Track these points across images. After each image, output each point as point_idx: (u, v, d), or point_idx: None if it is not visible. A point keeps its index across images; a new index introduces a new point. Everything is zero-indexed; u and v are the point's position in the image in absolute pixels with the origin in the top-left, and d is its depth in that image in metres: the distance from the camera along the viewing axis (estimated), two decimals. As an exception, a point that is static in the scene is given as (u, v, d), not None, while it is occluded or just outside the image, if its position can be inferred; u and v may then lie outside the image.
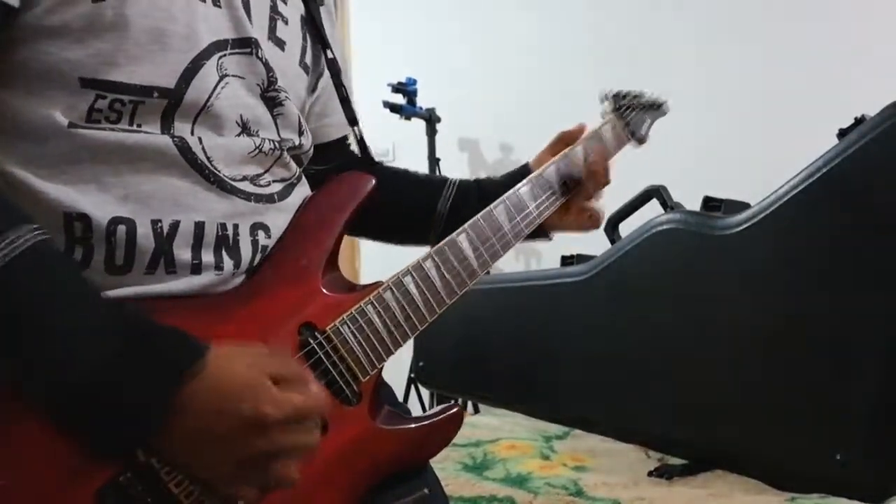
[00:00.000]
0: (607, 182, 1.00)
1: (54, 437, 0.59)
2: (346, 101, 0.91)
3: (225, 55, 0.72)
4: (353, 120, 0.93)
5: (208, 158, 0.70)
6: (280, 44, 0.79)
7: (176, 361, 0.60)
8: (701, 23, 2.51)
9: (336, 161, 0.96)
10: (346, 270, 0.83)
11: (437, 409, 0.83)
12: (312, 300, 0.74)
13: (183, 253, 0.68)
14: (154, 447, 0.60)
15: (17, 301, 0.58)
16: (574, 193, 0.98)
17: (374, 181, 0.83)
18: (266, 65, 0.76)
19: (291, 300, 0.73)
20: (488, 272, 0.99)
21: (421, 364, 1.96)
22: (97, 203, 0.65)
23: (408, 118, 2.81)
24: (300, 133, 0.82)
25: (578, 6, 2.78)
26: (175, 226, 0.68)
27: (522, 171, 1.01)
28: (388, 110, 2.78)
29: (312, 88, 0.89)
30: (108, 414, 0.59)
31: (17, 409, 0.58)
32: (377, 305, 0.77)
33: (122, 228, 0.66)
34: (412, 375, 2.14)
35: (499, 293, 1.77)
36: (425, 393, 2.76)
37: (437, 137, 2.85)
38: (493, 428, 1.63)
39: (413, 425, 0.80)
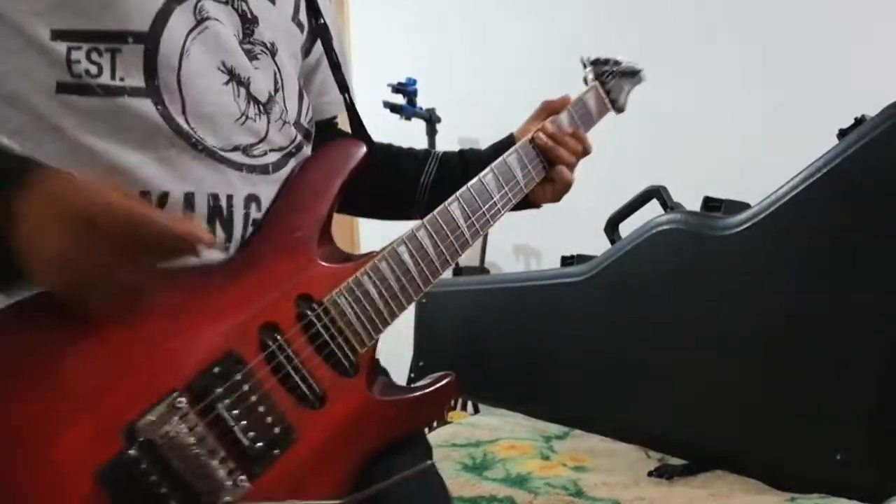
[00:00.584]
0: (588, 151, 1.01)
1: (53, 419, 0.58)
2: (336, 67, 0.89)
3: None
4: (343, 86, 0.91)
5: (192, 128, 0.69)
6: None
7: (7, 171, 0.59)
8: (701, 23, 2.51)
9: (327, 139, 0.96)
10: (346, 245, 0.83)
11: (431, 378, 0.83)
12: (308, 271, 0.74)
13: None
14: (157, 432, 0.60)
15: None
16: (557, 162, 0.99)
17: (365, 147, 0.82)
18: (243, 16, 0.75)
19: (287, 271, 0.73)
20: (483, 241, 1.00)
21: (421, 364, 1.96)
22: (85, 174, 0.63)
23: (408, 118, 2.81)
24: (277, 89, 0.79)
25: (579, 6, 2.78)
26: (164, 197, 0.67)
27: (508, 142, 1.01)
28: (388, 110, 2.78)
29: (307, 51, 0.87)
30: None
31: (12, 391, 0.58)
32: (373, 276, 0.76)
33: None
34: (412, 375, 2.13)
35: (499, 293, 1.77)
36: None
37: (437, 137, 2.85)
38: (493, 428, 1.63)
39: (409, 395, 0.81)
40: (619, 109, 1.11)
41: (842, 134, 1.24)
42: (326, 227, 0.77)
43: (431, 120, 2.83)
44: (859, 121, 1.23)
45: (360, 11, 3.40)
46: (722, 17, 2.49)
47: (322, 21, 0.87)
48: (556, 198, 1.02)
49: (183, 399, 0.62)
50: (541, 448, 1.49)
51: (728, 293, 1.34)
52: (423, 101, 2.85)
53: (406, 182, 1.01)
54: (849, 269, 1.19)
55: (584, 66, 1.10)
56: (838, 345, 1.18)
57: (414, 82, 2.85)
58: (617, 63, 1.12)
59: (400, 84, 2.83)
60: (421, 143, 2.87)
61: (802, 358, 1.22)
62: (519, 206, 0.98)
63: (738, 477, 1.28)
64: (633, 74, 1.15)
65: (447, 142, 2.91)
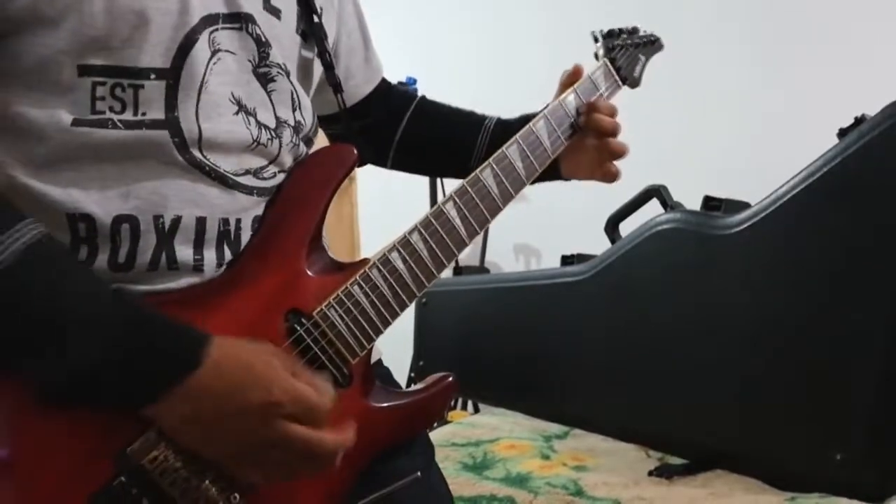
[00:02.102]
0: (615, 129, 0.97)
1: (45, 446, 0.59)
2: (329, 67, 0.88)
3: (216, 29, 0.71)
4: (336, 87, 0.89)
5: (206, 157, 0.70)
6: (275, 12, 0.78)
7: (176, 352, 0.61)
8: (701, 23, 2.51)
9: (369, 117, 0.98)
10: (346, 250, 0.82)
11: (429, 380, 0.82)
12: (297, 284, 0.73)
13: (184, 250, 0.68)
14: (168, 433, 0.61)
15: (16, 294, 0.58)
16: (573, 146, 0.97)
17: (355, 153, 0.79)
18: (258, 40, 0.75)
19: (276, 286, 0.72)
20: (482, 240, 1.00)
21: (421, 364, 1.96)
22: (100, 202, 0.65)
23: (408, 118, 2.81)
24: (294, 109, 0.79)
25: (579, 6, 2.78)
26: (177, 221, 0.68)
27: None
28: (388, 110, 2.78)
29: (313, 57, 0.87)
30: (109, 401, 0.59)
31: (6, 418, 0.58)
32: (364, 285, 0.75)
33: (125, 227, 0.66)
34: (412, 375, 2.13)
35: (499, 293, 1.77)
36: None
37: (437, 137, 2.85)
38: (493, 428, 1.63)
39: (406, 400, 0.80)
40: (633, 84, 1.08)
41: (842, 134, 1.24)
42: (316, 237, 0.76)
43: (431, 120, 2.83)
44: (859, 121, 1.23)
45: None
46: (722, 17, 2.49)
47: (318, 21, 0.86)
48: (609, 176, 0.99)
49: None
50: (541, 448, 1.49)
51: (728, 293, 1.34)
52: (422, 101, 2.85)
53: (463, 151, 1.03)
54: (849, 269, 1.19)
55: (596, 41, 1.07)
56: (838, 345, 1.18)
57: (414, 82, 2.85)
58: (633, 32, 1.08)
59: (400, 84, 2.83)
60: (421, 142, 2.87)
61: (802, 358, 1.22)
62: (547, 177, 0.97)
63: (738, 477, 1.28)
64: (650, 43, 1.11)
65: (447, 141, 2.91)
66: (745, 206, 1.36)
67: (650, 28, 1.15)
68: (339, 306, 0.73)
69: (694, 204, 1.50)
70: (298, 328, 0.71)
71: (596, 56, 1.05)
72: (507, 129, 1.00)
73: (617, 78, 1.05)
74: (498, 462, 1.40)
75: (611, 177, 1.00)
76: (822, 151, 1.24)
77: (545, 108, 0.96)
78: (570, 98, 0.97)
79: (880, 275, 1.16)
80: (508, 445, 1.50)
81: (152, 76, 0.67)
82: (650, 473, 1.32)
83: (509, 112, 1.08)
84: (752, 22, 2.43)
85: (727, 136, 2.40)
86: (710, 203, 1.44)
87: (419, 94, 1.10)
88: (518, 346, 1.71)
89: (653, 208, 1.64)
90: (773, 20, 2.39)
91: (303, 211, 0.76)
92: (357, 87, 0.96)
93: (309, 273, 0.74)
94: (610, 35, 1.07)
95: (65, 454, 0.59)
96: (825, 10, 2.28)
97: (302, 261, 0.74)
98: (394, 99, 1.06)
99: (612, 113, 0.98)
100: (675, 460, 1.38)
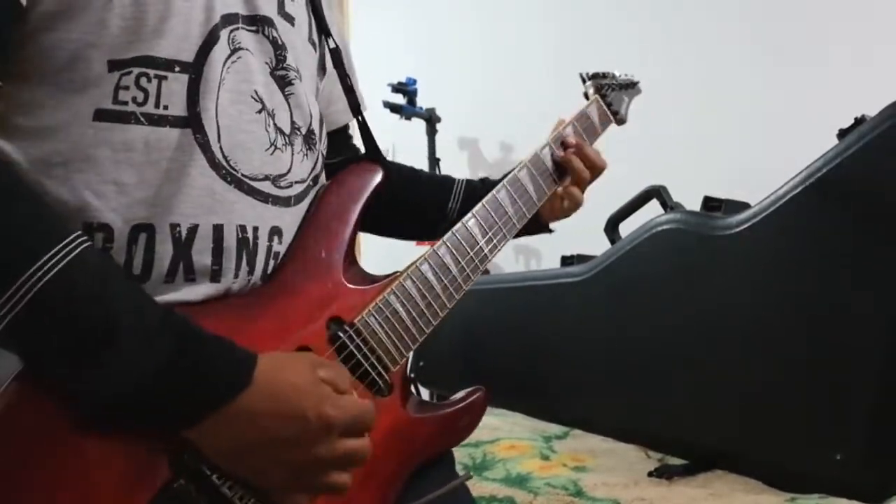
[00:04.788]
0: (600, 166, 1.02)
1: (105, 452, 0.58)
2: (350, 91, 0.90)
3: (236, 29, 0.72)
4: (356, 109, 0.92)
5: (225, 157, 0.69)
6: (289, 19, 0.79)
7: (225, 373, 0.60)
8: (702, 23, 2.51)
9: (342, 155, 0.97)
10: None
11: (462, 393, 0.85)
12: (337, 294, 0.75)
13: (203, 258, 0.67)
14: (209, 457, 0.60)
15: (66, 307, 0.57)
16: (570, 180, 1.00)
17: (381, 171, 0.83)
18: (274, 43, 0.75)
19: (317, 295, 0.74)
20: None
21: (421, 364, 1.96)
22: (116, 209, 0.64)
23: (408, 118, 2.82)
24: (311, 115, 0.80)
25: (579, 6, 2.78)
26: (193, 230, 0.67)
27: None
28: (388, 110, 2.78)
29: (322, 67, 0.88)
30: (158, 423, 0.59)
31: (65, 425, 0.57)
32: (399, 295, 0.78)
33: (142, 236, 0.65)
34: (412, 375, 2.13)
35: (499, 293, 1.77)
36: (425, 393, 2.76)
37: (437, 137, 2.85)
38: (493, 428, 1.63)
39: (443, 411, 0.82)
40: (621, 121, 1.13)
41: (842, 134, 1.25)
42: (350, 250, 0.79)
43: (431, 120, 2.83)
44: (859, 121, 1.23)
45: (360, 11, 3.40)
46: (722, 17, 2.49)
47: (335, 46, 0.88)
48: (566, 214, 1.04)
49: None
50: (541, 448, 1.49)
51: (728, 293, 1.34)
52: (423, 101, 2.85)
53: (435, 210, 1.04)
54: (848, 269, 1.20)
55: (584, 81, 1.12)
56: (838, 345, 1.18)
57: (414, 82, 2.85)
58: (614, 77, 1.14)
59: (400, 84, 2.83)
60: (421, 142, 2.87)
61: (802, 358, 1.22)
62: (530, 230, 1.00)
63: (738, 477, 1.28)
64: (631, 86, 1.17)
65: (447, 141, 2.91)
66: (745, 206, 1.36)
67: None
68: (377, 315, 0.75)
69: (694, 204, 1.51)
70: (342, 335, 0.72)
71: (586, 95, 1.11)
72: (475, 191, 1.03)
73: (609, 113, 1.10)
74: (498, 462, 1.40)
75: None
76: (822, 152, 1.24)
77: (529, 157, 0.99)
78: (569, 130, 1.02)
79: (880, 275, 1.16)
80: (508, 446, 1.50)
81: (177, 69, 0.67)
82: (650, 474, 1.32)
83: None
84: (752, 22, 2.43)
85: (727, 136, 2.40)
86: (710, 203, 1.44)
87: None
88: (518, 347, 1.71)
89: (653, 208, 1.64)
90: (774, 20, 2.39)
91: (338, 225, 0.78)
92: (338, 114, 0.96)
93: (347, 283, 0.76)
94: (595, 76, 1.12)
95: (122, 461, 0.59)
96: (825, 10, 2.29)
97: (340, 272, 0.76)
98: (355, 150, 1.05)
99: (595, 164, 1.01)
100: (675, 460, 1.38)
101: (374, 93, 2.73)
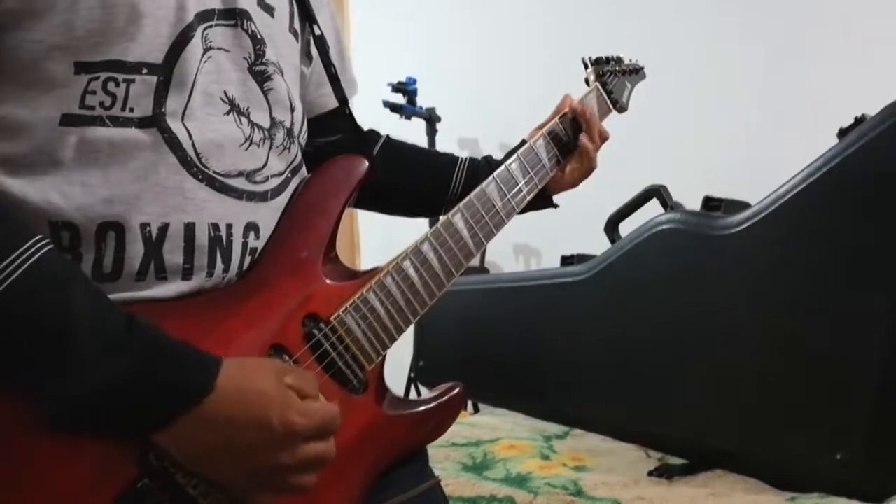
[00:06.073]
0: (605, 138, 1.03)
1: (69, 450, 0.58)
2: (335, 80, 0.88)
3: (210, 26, 0.70)
4: (342, 100, 0.90)
5: (197, 154, 0.68)
6: (269, 9, 0.77)
7: (187, 380, 0.60)
8: (702, 23, 2.51)
9: (339, 133, 0.94)
10: (347, 256, 0.82)
11: (439, 390, 0.83)
12: (314, 290, 0.73)
13: (174, 257, 0.66)
14: (173, 458, 0.60)
15: (25, 319, 0.56)
16: (570, 160, 1.00)
17: (367, 163, 0.81)
18: (253, 37, 0.74)
19: (293, 292, 0.72)
20: (483, 253, 1.01)
21: (421, 364, 1.96)
22: (81, 207, 0.63)
23: (408, 118, 2.81)
24: (292, 109, 0.79)
25: (580, 5, 2.78)
26: (164, 229, 0.66)
27: (520, 148, 1.01)
28: (388, 110, 2.78)
29: (307, 55, 0.87)
30: (121, 429, 0.59)
31: (28, 423, 0.57)
32: (379, 292, 0.76)
33: (111, 235, 0.64)
34: (412, 375, 2.13)
35: (499, 293, 1.77)
36: (425, 393, 2.76)
37: (437, 137, 2.85)
38: (493, 428, 1.63)
39: (419, 409, 0.81)
40: (621, 109, 1.12)
41: (842, 133, 1.25)
42: (331, 245, 0.77)
43: (431, 119, 2.82)
44: (859, 120, 1.23)
45: (360, 11, 3.40)
46: (722, 17, 2.48)
47: (319, 33, 0.86)
48: (577, 182, 1.03)
49: None
50: (541, 448, 1.49)
51: (728, 293, 1.34)
52: (423, 101, 2.85)
53: (438, 188, 1.03)
54: (849, 269, 1.19)
55: (586, 67, 1.10)
56: (838, 345, 1.18)
57: (414, 82, 2.85)
58: (619, 61, 1.13)
59: (400, 83, 2.83)
60: (421, 142, 2.87)
61: (802, 358, 1.22)
62: (536, 206, 1.00)
63: (738, 477, 1.28)
64: (635, 72, 1.15)
65: (447, 141, 2.91)
66: (745, 206, 1.36)
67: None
68: (355, 312, 0.74)
69: (694, 204, 1.51)
70: (316, 333, 0.71)
71: (587, 81, 1.10)
72: (478, 169, 1.03)
73: (608, 101, 1.09)
74: (498, 462, 1.40)
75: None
76: (822, 151, 1.24)
77: (527, 139, 1.00)
78: (567, 118, 1.01)
79: (880, 274, 1.16)
80: (508, 445, 1.50)
81: (144, 71, 0.66)
82: (650, 473, 1.32)
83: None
84: (752, 22, 2.43)
85: (727, 136, 2.40)
86: (710, 203, 1.44)
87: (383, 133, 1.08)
88: (518, 347, 1.71)
89: (653, 208, 1.64)
90: (774, 20, 2.39)
91: (318, 219, 0.76)
92: (329, 97, 0.92)
93: (325, 280, 0.74)
94: (598, 62, 1.10)
95: (86, 459, 0.59)
96: (826, 10, 2.28)
97: (318, 267, 0.74)
98: (363, 130, 1.03)
99: (604, 139, 1.03)
100: (675, 460, 1.38)
101: (374, 93, 2.73)
